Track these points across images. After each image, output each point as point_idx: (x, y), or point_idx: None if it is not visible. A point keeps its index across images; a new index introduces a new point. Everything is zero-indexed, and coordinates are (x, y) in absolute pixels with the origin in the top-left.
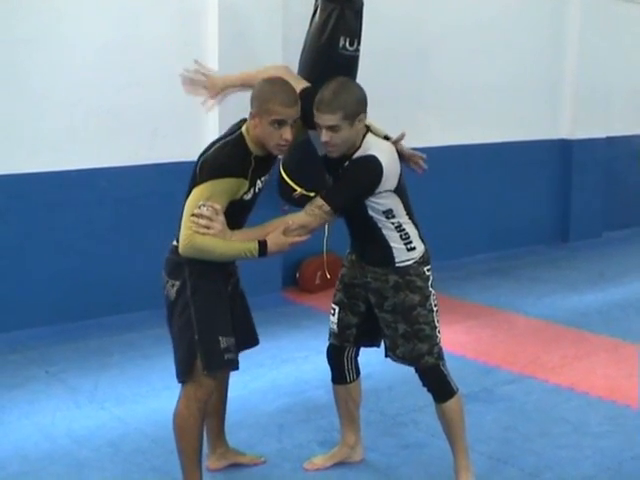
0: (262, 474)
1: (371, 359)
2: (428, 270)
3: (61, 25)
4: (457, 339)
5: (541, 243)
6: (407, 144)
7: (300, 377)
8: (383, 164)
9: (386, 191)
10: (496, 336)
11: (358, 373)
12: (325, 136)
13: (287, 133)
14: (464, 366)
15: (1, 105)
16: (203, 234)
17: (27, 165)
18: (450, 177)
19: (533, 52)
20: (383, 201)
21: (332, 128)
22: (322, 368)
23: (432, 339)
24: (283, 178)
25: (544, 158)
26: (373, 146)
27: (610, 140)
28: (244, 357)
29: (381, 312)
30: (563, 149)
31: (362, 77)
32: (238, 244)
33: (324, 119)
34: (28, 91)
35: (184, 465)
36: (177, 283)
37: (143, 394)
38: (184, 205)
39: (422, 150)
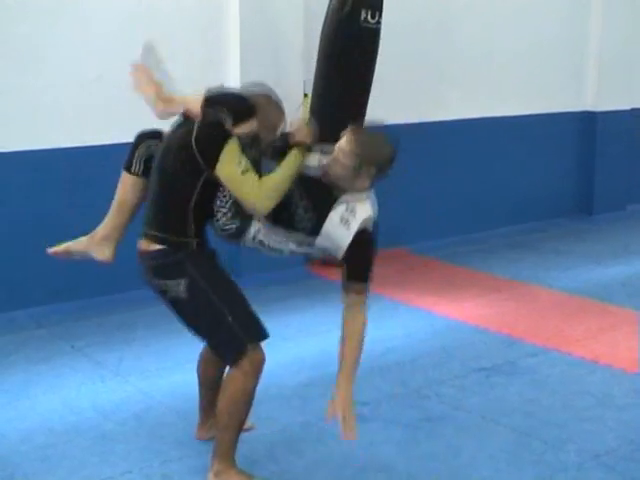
0: (285, 445)
1: (394, 333)
2: None
3: None
4: (480, 312)
5: (565, 216)
6: (429, 117)
7: (324, 350)
8: (372, 228)
9: None
10: (519, 309)
11: None
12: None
13: None
14: (487, 339)
15: (24, 79)
16: None
17: (52, 140)
18: (473, 150)
19: (556, 23)
20: None
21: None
22: None
23: None
24: None
25: (568, 130)
26: (358, 208)
27: (635, 112)
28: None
29: None
30: (587, 121)
31: (383, 50)
32: (285, 163)
33: None
34: (50, 65)
35: (226, 440)
36: (183, 281)
37: (167, 368)
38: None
39: (445, 123)
